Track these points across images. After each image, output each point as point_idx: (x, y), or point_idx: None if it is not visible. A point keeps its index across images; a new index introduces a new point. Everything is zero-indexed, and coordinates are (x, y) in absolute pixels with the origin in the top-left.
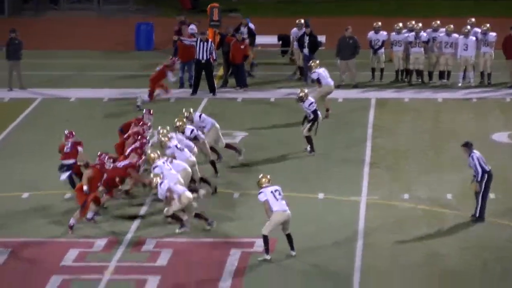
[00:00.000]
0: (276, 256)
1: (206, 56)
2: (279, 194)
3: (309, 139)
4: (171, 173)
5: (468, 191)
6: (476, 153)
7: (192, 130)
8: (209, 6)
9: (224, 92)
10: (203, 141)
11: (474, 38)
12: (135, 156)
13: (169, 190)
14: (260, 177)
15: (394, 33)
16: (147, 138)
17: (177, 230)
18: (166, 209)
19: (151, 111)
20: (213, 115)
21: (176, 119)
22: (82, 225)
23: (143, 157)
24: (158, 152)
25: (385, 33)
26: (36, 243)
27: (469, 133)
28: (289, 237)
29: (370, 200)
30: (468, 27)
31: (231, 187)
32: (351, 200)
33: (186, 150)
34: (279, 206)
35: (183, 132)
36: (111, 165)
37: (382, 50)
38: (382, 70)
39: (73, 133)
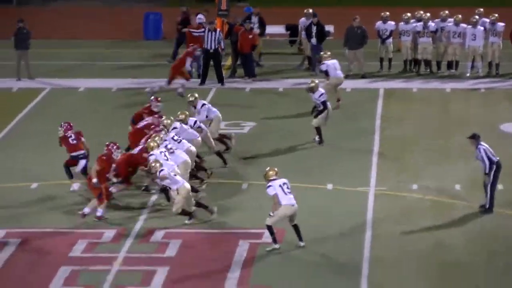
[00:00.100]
0: (284, 247)
1: (214, 45)
2: (287, 187)
3: (318, 130)
4: (167, 163)
5: (477, 181)
6: (484, 145)
7: (195, 122)
8: None
9: (232, 82)
10: (206, 133)
11: (482, 28)
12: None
13: (163, 177)
14: (267, 169)
15: (402, 23)
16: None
17: (186, 221)
18: (174, 209)
19: (159, 98)
20: (221, 105)
21: (179, 112)
22: (91, 216)
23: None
24: (158, 142)
25: (393, 23)
26: (45, 234)
27: (477, 124)
28: (296, 227)
29: (378, 190)
30: (476, 17)
31: (239, 177)
32: (359, 191)
33: (184, 141)
34: (288, 200)
35: (186, 123)
36: (118, 155)
37: (390, 40)
38: (390, 60)
39: (71, 124)
